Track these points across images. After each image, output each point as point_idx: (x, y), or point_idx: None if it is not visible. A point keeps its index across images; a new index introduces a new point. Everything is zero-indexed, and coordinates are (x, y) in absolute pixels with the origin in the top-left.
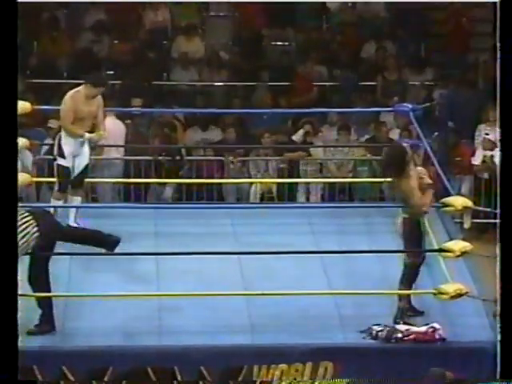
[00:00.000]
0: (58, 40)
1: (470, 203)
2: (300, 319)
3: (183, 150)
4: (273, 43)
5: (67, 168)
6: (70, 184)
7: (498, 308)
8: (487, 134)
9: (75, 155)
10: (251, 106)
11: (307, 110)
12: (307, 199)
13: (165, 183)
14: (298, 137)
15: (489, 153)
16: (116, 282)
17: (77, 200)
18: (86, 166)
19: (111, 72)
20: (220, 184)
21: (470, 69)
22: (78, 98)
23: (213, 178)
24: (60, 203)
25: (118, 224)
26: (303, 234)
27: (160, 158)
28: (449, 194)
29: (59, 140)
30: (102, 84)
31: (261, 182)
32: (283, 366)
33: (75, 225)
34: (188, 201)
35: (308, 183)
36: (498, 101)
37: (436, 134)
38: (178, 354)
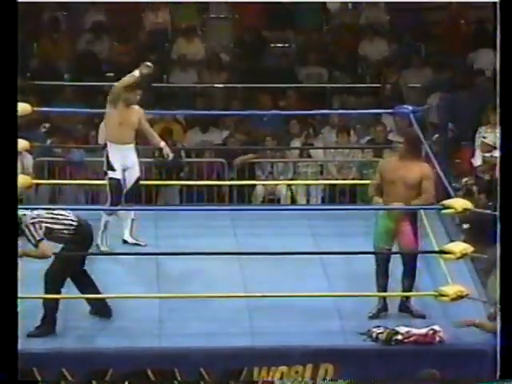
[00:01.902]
0: (58, 42)
1: (470, 205)
2: (300, 321)
3: (183, 152)
4: (273, 45)
5: (118, 180)
6: (122, 198)
7: (497, 309)
8: (484, 138)
9: (124, 168)
10: (251, 108)
11: (307, 112)
12: (308, 201)
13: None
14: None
15: (487, 154)
16: (116, 283)
17: (130, 215)
18: (138, 179)
19: (111, 74)
20: (220, 186)
21: (470, 71)
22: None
23: (213, 179)
24: (111, 219)
25: (118, 226)
26: (303, 236)
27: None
28: (449, 196)
29: (107, 154)
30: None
31: (263, 184)
32: (283, 367)
33: (132, 240)
34: (188, 203)
35: (308, 185)
36: (497, 102)
37: (436, 135)
38: (178, 356)
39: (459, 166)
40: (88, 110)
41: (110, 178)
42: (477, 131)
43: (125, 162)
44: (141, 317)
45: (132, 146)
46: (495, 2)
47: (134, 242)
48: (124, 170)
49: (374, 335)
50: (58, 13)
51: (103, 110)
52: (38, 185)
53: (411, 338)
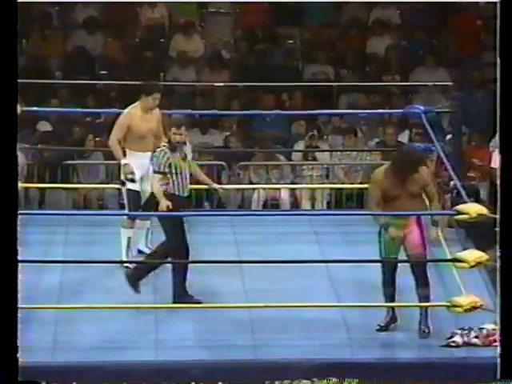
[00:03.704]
0: (49, 38)
1: (485, 210)
2: (305, 333)
3: None
4: (277, 41)
5: (138, 192)
6: (140, 209)
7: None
8: None
9: (142, 177)
10: (253, 108)
11: (312, 112)
12: (312, 206)
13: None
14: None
15: None
16: (110, 292)
17: (145, 225)
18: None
19: (105, 71)
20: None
21: (487, 69)
22: (134, 114)
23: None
24: (131, 233)
25: (112, 232)
26: (308, 243)
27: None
28: (463, 201)
29: (126, 162)
30: (156, 90)
31: (264, 188)
32: (287, 382)
33: (147, 250)
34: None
35: (313, 189)
36: (498, 102)
37: (449, 137)
38: (175, 370)
39: (474, 170)
40: (80, 110)
41: (128, 190)
42: (494, 133)
43: (143, 172)
44: (135, 328)
45: (150, 153)
46: (495, 2)
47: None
48: (142, 180)
49: (456, 341)
50: (49, 8)
51: (96, 110)
52: (26, 188)
53: (491, 338)
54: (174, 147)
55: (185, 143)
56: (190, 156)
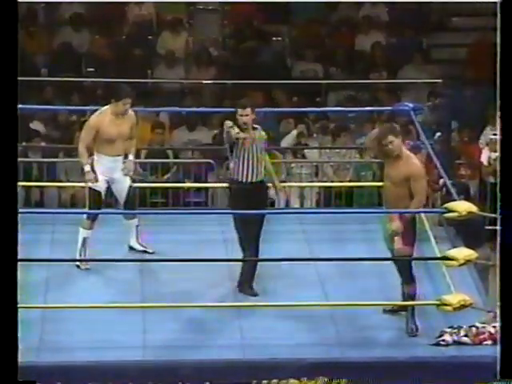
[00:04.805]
0: (35, 35)
1: (474, 208)
2: (294, 332)
3: (170, 152)
4: (265, 38)
5: (99, 193)
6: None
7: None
8: (495, 135)
9: (111, 181)
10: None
11: (302, 110)
12: (301, 204)
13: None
14: (288, 140)
15: (494, 154)
16: (97, 291)
17: (133, 224)
18: (130, 189)
19: (92, 69)
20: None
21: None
22: (104, 117)
23: (201, 181)
24: (89, 234)
25: (100, 231)
26: (297, 241)
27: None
28: (453, 199)
29: (92, 163)
30: (126, 96)
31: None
32: (275, 381)
33: (139, 247)
34: (175, 206)
35: (302, 187)
36: (497, 100)
37: (438, 134)
38: (163, 370)
39: (465, 167)
40: (65, 108)
41: (90, 189)
42: (483, 130)
43: (112, 175)
44: (123, 328)
45: (121, 157)
46: (495, 2)
47: (142, 248)
48: (111, 183)
49: (446, 340)
50: (34, 5)
51: (81, 108)
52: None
53: (484, 336)
54: (240, 130)
55: (255, 128)
56: (262, 145)
